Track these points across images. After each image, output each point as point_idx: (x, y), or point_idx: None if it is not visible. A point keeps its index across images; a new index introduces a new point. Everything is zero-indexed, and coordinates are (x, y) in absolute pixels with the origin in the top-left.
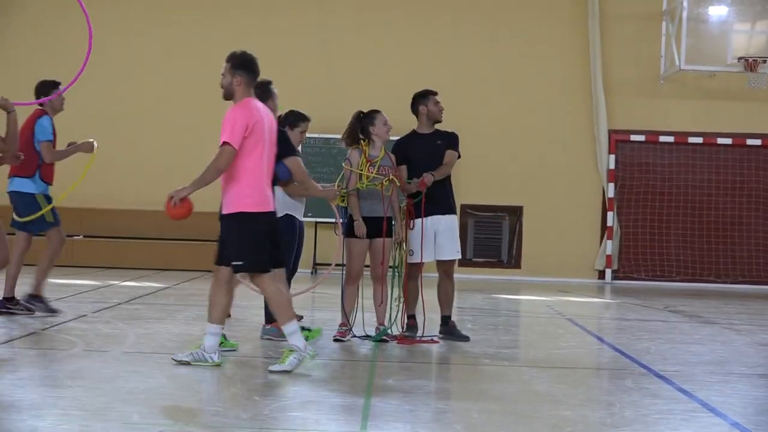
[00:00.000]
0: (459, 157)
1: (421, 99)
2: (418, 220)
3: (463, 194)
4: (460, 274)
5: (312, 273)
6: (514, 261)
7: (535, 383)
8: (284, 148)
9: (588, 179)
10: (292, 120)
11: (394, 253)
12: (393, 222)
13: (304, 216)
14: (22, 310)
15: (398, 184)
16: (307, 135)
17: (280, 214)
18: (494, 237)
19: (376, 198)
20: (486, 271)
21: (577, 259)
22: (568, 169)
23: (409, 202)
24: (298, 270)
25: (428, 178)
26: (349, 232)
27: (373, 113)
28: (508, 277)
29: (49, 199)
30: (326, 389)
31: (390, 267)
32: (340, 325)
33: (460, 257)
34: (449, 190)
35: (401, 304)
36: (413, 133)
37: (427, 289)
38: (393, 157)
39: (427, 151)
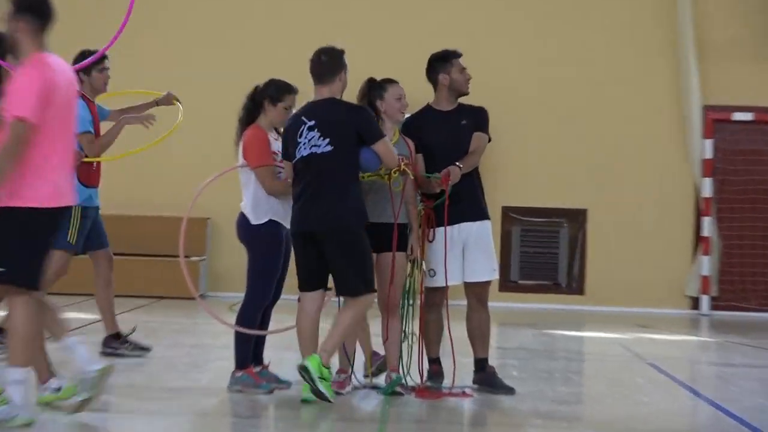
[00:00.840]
0: (490, 140)
1: (442, 64)
2: (440, 229)
3: (504, 193)
4: (500, 302)
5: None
6: (575, 284)
7: None
8: (372, 130)
9: (675, 173)
10: (273, 92)
11: (408, 273)
12: (408, 231)
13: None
14: (131, 348)
15: (412, 176)
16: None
17: (260, 219)
18: (548, 251)
19: (382, 197)
20: (537, 297)
21: (662, 282)
22: (647, 159)
23: (427, 205)
24: (282, 295)
25: (454, 171)
26: None
27: (385, 83)
28: (567, 306)
29: (86, 212)
30: None
31: (403, 292)
32: (338, 372)
33: (497, 278)
34: (479, 187)
35: (419, 344)
36: (428, 110)
37: (455, 323)
38: (411, 144)
39: (447, 133)
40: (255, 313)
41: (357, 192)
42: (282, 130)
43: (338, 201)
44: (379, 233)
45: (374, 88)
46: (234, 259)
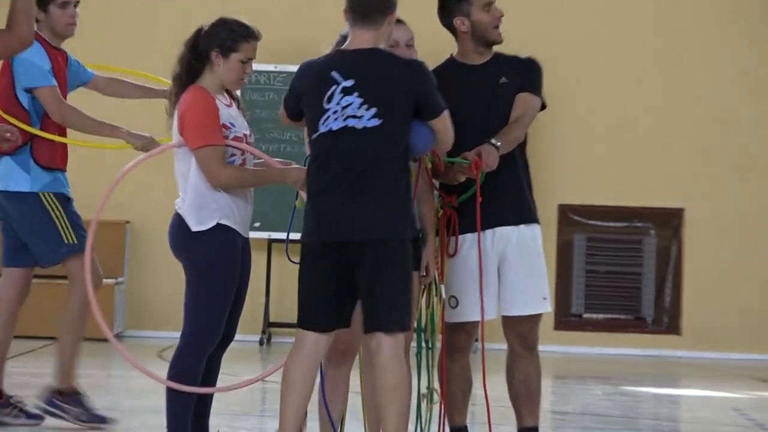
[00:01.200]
0: (544, 107)
1: (456, 2)
2: (467, 237)
3: (560, 187)
4: (555, 345)
5: (262, 341)
6: (667, 320)
7: None
8: (436, 98)
9: None
10: (225, 38)
11: (420, 302)
12: (420, 241)
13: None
14: (15, 415)
15: (429, 164)
16: (256, 67)
17: (203, 224)
18: (626, 270)
19: None
20: (611, 339)
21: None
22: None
23: (448, 203)
24: (237, 336)
25: (489, 153)
26: None
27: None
28: (655, 351)
29: (62, 200)
30: None
31: (417, 329)
32: None
33: (550, 310)
34: (524, 178)
35: (438, 405)
36: (451, 63)
37: (491, 375)
38: None
39: (477, 95)
40: (197, 362)
41: (410, 188)
42: (234, 92)
43: (387, 200)
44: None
45: None
46: (166, 281)
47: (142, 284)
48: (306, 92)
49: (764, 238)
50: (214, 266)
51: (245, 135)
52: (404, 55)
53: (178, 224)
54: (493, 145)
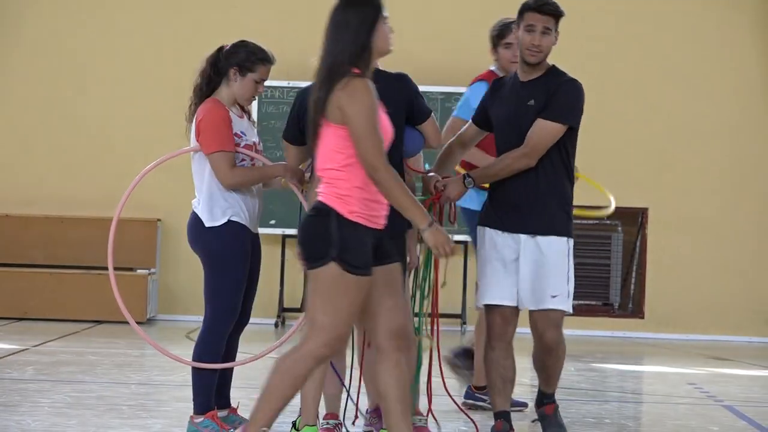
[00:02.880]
0: (572, 130)
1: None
2: (486, 231)
3: None
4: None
5: (277, 324)
6: (632, 305)
7: None
8: (423, 104)
9: (763, 160)
10: (244, 59)
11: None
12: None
13: (264, 224)
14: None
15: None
16: (272, 83)
17: (216, 220)
18: (596, 263)
19: None
20: (582, 322)
21: (743, 304)
22: (728, 147)
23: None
24: (251, 319)
25: (453, 188)
26: None
27: None
28: (621, 332)
29: None
30: None
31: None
32: (326, 418)
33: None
34: (561, 182)
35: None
36: (513, 76)
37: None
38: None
39: (509, 111)
40: (217, 341)
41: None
42: (246, 107)
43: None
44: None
45: None
46: (192, 271)
47: (172, 274)
48: (308, 113)
49: (718, 235)
50: (225, 257)
51: (254, 143)
52: (395, 71)
53: (194, 221)
54: (465, 178)
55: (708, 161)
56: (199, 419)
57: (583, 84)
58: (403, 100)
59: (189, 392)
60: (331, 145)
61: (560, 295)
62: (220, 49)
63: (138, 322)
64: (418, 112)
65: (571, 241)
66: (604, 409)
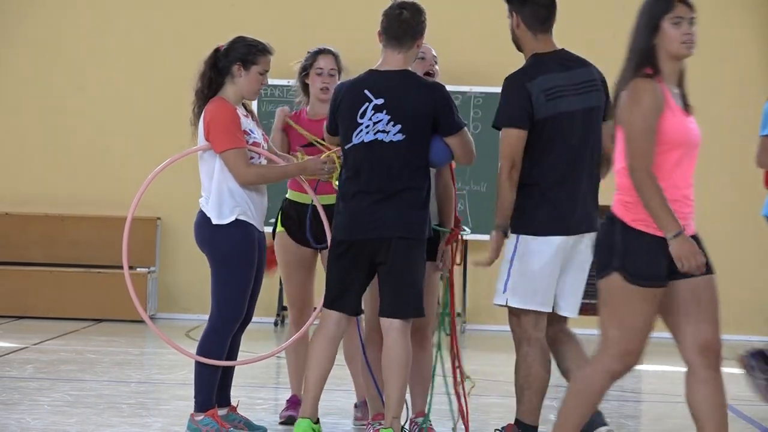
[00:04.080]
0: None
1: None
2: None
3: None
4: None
5: (277, 323)
6: None
7: None
8: (452, 117)
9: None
10: (245, 54)
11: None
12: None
13: (264, 223)
14: None
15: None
16: (271, 81)
17: (224, 218)
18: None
19: None
20: (582, 321)
21: (740, 303)
22: (716, 147)
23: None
24: (254, 319)
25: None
26: None
27: None
28: None
29: None
30: None
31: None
32: (375, 418)
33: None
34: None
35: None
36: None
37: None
38: None
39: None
40: (222, 340)
41: (428, 194)
42: (251, 103)
43: (409, 205)
44: None
45: None
46: (192, 270)
47: (171, 273)
48: (342, 108)
49: (717, 234)
50: (233, 256)
51: (262, 141)
52: (428, 78)
53: (202, 219)
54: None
55: (707, 160)
56: (200, 417)
57: None
58: (428, 110)
59: (189, 391)
60: (619, 148)
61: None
62: (217, 49)
63: (138, 321)
64: (444, 124)
65: (519, 238)
66: (603, 408)
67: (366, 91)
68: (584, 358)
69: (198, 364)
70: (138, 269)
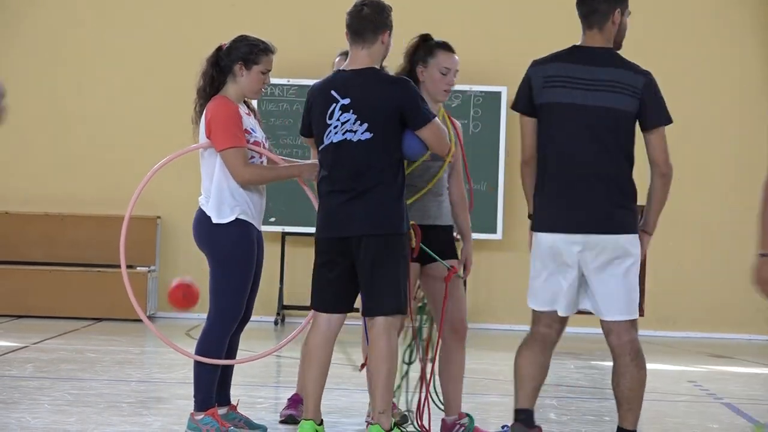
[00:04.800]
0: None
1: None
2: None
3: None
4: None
5: (277, 322)
6: None
7: None
8: (417, 110)
9: (759, 144)
10: (247, 53)
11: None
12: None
13: (264, 222)
14: None
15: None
16: (271, 81)
17: (224, 217)
18: None
19: (425, 192)
20: (580, 320)
21: (743, 302)
22: (723, 142)
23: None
24: (253, 317)
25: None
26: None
27: (436, 48)
28: None
29: None
30: None
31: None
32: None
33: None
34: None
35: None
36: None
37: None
38: (458, 126)
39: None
40: (221, 339)
41: (401, 189)
42: (252, 102)
43: (381, 201)
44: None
45: (421, 48)
46: (192, 269)
47: (171, 272)
48: (314, 110)
49: (718, 233)
50: (232, 255)
51: (262, 140)
52: (395, 75)
53: (201, 218)
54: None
55: (709, 159)
56: (200, 416)
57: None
58: (393, 106)
59: (189, 389)
60: None
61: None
62: (219, 48)
63: (138, 320)
64: (412, 119)
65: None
66: (603, 407)
67: (333, 92)
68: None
69: (197, 363)
70: (138, 268)
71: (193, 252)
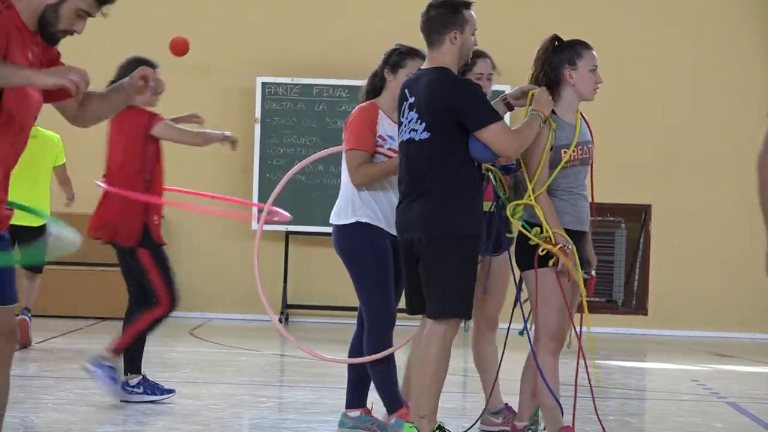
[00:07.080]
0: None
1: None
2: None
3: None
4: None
5: (281, 320)
6: (635, 302)
7: None
8: (473, 113)
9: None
10: (396, 58)
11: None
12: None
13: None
14: None
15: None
16: (275, 80)
17: (343, 219)
18: (599, 259)
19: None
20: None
21: (746, 301)
22: (730, 144)
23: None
24: (255, 316)
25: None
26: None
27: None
28: (625, 329)
29: None
30: None
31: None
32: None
33: None
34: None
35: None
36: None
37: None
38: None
39: None
40: (383, 337)
41: (463, 191)
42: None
43: (435, 205)
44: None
45: (565, 50)
46: (193, 270)
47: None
48: (399, 107)
49: (720, 232)
50: (356, 257)
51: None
52: (459, 77)
53: (335, 226)
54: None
55: (712, 158)
56: (355, 413)
57: None
58: (448, 107)
59: (192, 389)
60: None
61: None
62: (394, 50)
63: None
64: (467, 121)
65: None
66: (607, 406)
67: (405, 90)
68: None
69: (372, 369)
70: None
71: (194, 253)
